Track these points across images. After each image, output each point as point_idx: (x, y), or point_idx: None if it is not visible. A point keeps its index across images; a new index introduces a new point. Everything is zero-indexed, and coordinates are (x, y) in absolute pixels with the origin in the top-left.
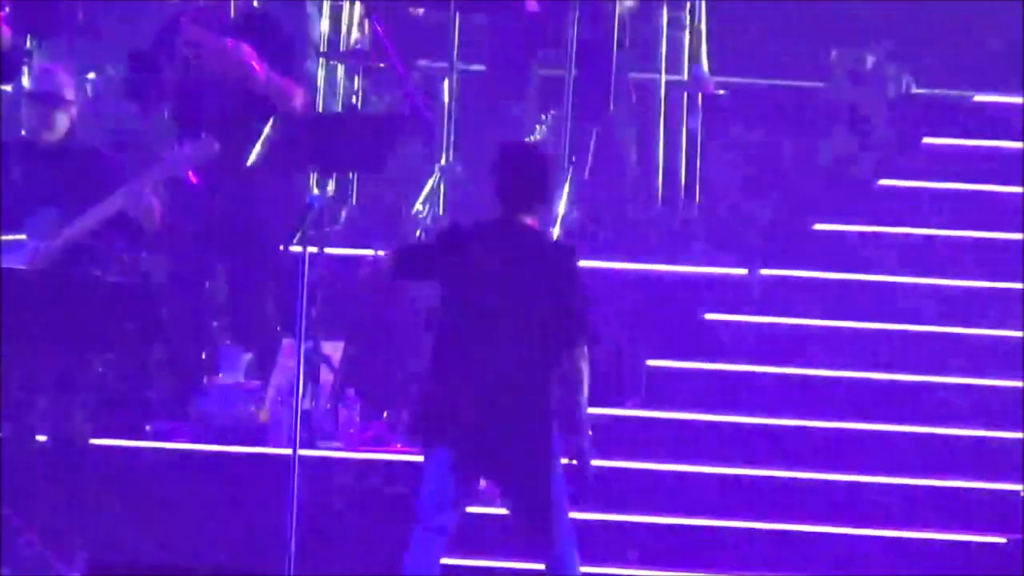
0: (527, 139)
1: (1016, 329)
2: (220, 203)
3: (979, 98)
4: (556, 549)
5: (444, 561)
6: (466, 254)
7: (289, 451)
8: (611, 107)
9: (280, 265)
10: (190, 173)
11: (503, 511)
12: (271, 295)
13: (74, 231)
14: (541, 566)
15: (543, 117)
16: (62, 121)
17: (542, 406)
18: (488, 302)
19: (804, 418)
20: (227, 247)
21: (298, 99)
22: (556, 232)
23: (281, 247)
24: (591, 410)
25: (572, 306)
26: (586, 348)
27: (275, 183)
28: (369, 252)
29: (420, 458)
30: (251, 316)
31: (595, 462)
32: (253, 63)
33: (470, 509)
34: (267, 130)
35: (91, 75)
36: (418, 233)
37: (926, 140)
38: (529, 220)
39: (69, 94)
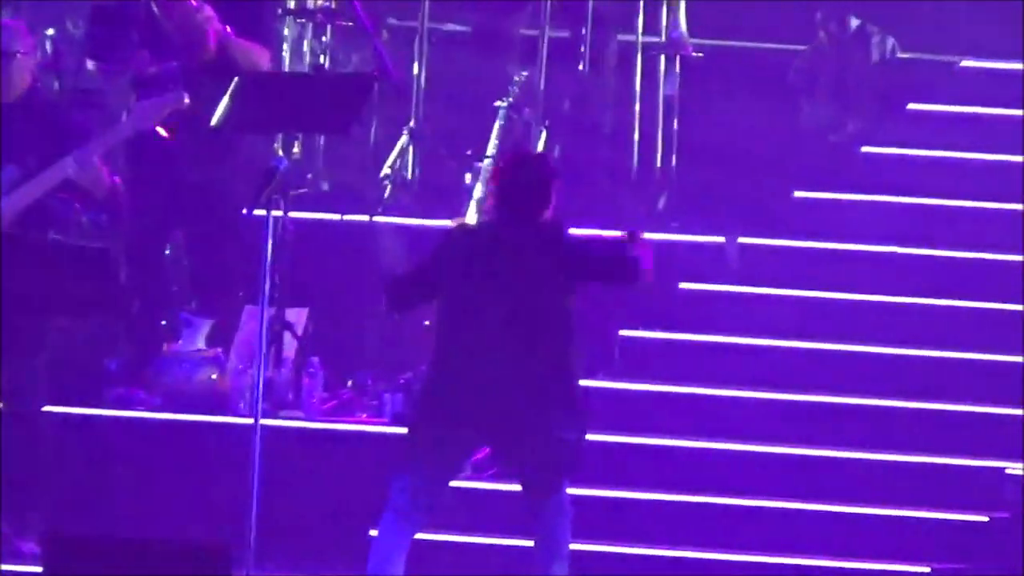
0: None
1: (1005, 301)
2: (181, 164)
3: (965, 63)
4: (551, 524)
5: (430, 537)
6: (467, 257)
7: (250, 420)
8: (584, 67)
9: (242, 229)
10: (158, 128)
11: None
12: (233, 260)
13: (24, 196)
14: (529, 542)
15: (515, 78)
16: (19, 75)
17: (550, 386)
18: (492, 297)
19: (783, 390)
20: (188, 210)
21: (264, 62)
22: None
23: (244, 211)
24: None
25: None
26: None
27: (237, 145)
28: (335, 216)
29: (383, 428)
30: (212, 281)
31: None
32: (210, 25)
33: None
34: (230, 91)
35: (50, 32)
36: (385, 197)
37: (911, 106)
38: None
39: (24, 47)
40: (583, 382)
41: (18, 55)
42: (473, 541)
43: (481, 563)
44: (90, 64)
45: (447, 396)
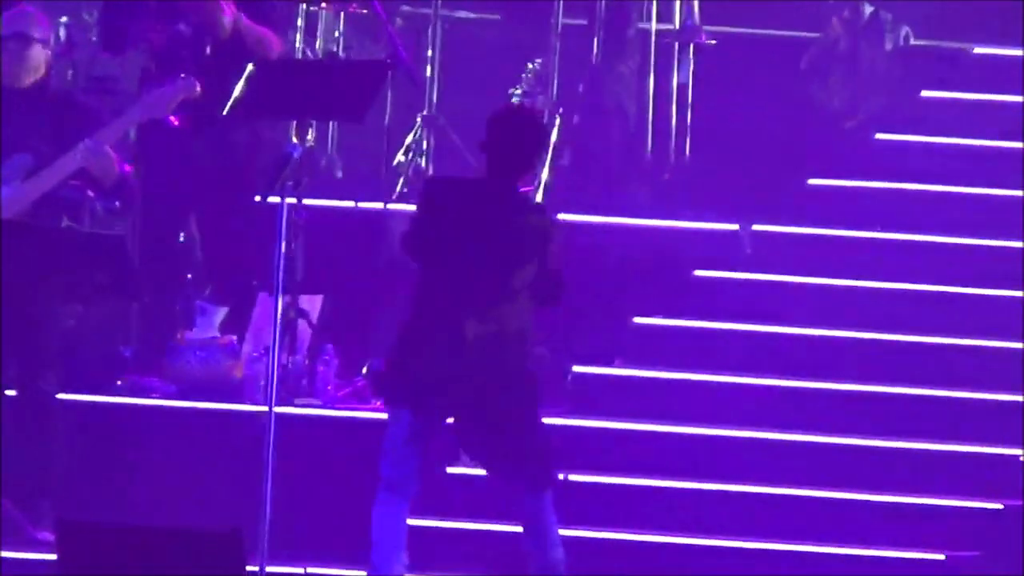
0: (514, 102)
1: (1017, 289)
2: (195, 151)
3: (979, 50)
4: (539, 511)
5: (420, 523)
6: (448, 213)
7: (265, 408)
8: (597, 57)
9: (257, 216)
10: (171, 116)
11: (481, 472)
12: (247, 247)
13: (39, 184)
14: (519, 528)
15: (529, 66)
16: (37, 60)
17: (523, 364)
18: (469, 262)
19: (798, 378)
20: (200, 196)
21: (275, 49)
22: (539, 194)
23: (258, 198)
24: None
25: (550, 269)
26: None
27: (250, 131)
28: (349, 204)
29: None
30: (226, 269)
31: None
32: (224, 12)
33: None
34: (243, 79)
35: (63, 19)
36: (399, 186)
37: (925, 93)
38: (515, 184)
39: (43, 33)
40: (597, 370)
41: (35, 41)
42: (463, 527)
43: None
44: (102, 52)
45: (420, 363)
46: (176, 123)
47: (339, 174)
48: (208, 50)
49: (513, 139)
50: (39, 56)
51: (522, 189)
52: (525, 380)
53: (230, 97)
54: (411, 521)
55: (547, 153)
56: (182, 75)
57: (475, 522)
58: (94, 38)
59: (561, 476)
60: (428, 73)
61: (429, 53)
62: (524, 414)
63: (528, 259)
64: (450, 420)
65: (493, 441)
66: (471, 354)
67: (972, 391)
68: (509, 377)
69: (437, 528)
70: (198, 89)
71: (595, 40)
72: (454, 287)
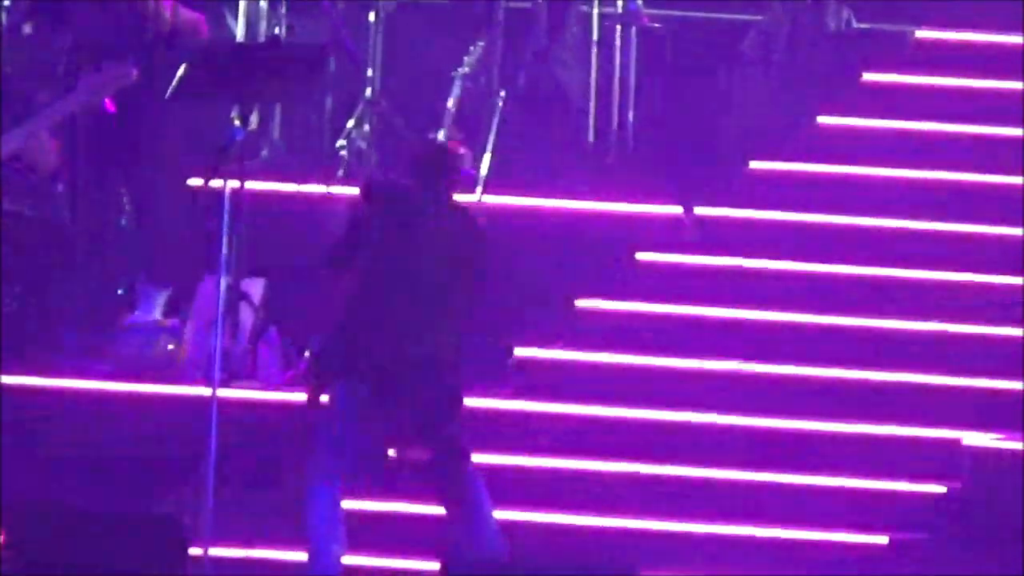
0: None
1: (961, 271)
2: (130, 135)
3: (921, 34)
4: (469, 493)
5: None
6: (386, 212)
7: (207, 391)
8: (543, 37)
9: (196, 199)
10: (107, 101)
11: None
12: (186, 230)
13: None
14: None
15: (472, 48)
16: None
17: (451, 350)
18: (404, 255)
19: (742, 360)
20: (136, 180)
21: (203, 28)
22: (481, 177)
23: (203, 181)
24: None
25: (477, 263)
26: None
27: (185, 114)
28: (291, 187)
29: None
30: (167, 252)
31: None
32: (166, 9)
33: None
34: (186, 61)
35: (5, 2)
36: (341, 169)
37: (866, 76)
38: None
39: None
40: (539, 352)
41: None
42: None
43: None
44: (27, 27)
45: (354, 345)
46: (112, 109)
47: (281, 157)
48: (153, 37)
49: (432, 172)
50: None
51: (465, 171)
52: (450, 365)
53: (165, 82)
54: (352, 504)
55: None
56: (119, 61)
57: (413, 504)
58: (27, 28)
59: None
60: (370, 56)
61: (371, 35)
62: (447, 396)
63: (459, 259)
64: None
65: (416, 418)
66: (403, 337)
67: (917, 373)
68: (435, 359)
69: (375, 511)
70: (134, 74)
71: (538, 23)
72: (390, 282)
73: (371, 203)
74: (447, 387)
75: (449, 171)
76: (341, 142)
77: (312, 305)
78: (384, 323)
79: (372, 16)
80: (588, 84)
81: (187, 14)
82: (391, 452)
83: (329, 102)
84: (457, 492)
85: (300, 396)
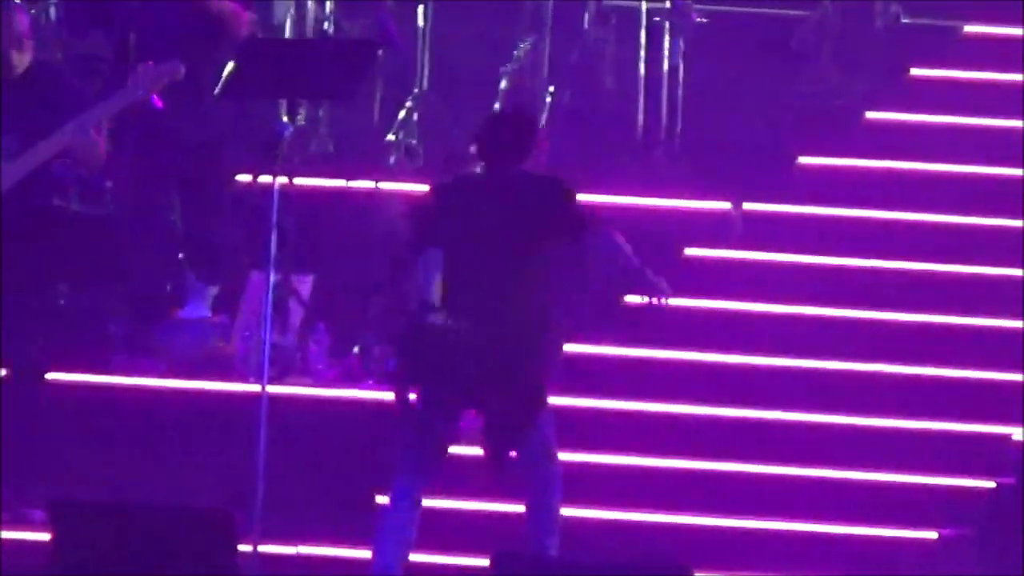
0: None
1: (1010, 267)
2: (178, 130)
3: (969, 28)
4: (540, 491)
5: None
6: (459, 207)
7: (257, 387)
8: (590, 31)
9: (243, 195)
10: (155, 97)
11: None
12: (235, 226)
13: (22, 167)
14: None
15: (520, 44)
16: (20, 61)
17: (537, 347)
18: (483, 247)
19: (789, 356)
20: (187, 175)
21: (246, 22)
22: None
23: (249, 177)
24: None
25: (569, 219)
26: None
27: (232, 109)
28: (340, 182)
29: (384, 395)
30: (217, 248)
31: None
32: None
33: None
34: (234, 57)
35: None
36: (390, 164)
37: (914, 71)
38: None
39: (23, 28)
40: (587, 348)
41: (20, 39)
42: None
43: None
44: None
45: (444, 357)
46: (160, 105)
47: (330, 152)
48: (189, 27)
49: (501, 140)
50: (21, 55)
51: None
52: (536, 362)
53: (211, 78)
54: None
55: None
56: (167, 58)
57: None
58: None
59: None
60: (419, 49)
61: (420, 29)
62: (532, 394)
63: (541, 225)
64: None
65: (497, 416)
66: (491, 336)
67: (967, 369)
68: (523, 356)
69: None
70: (182, 71)
71: (585, 16)
72: (470, 276)
73: (440, 198)
74: (530, 382)
75: (523, 142)
76: (390, 137)
77: (359, 301)
78: (462, 317)
79: (420, 10)
80: (637, 79)
81: (230, 7)
82: (478, 450)
83: (378, 97)
84: (530, 491)
85: (348, 392)
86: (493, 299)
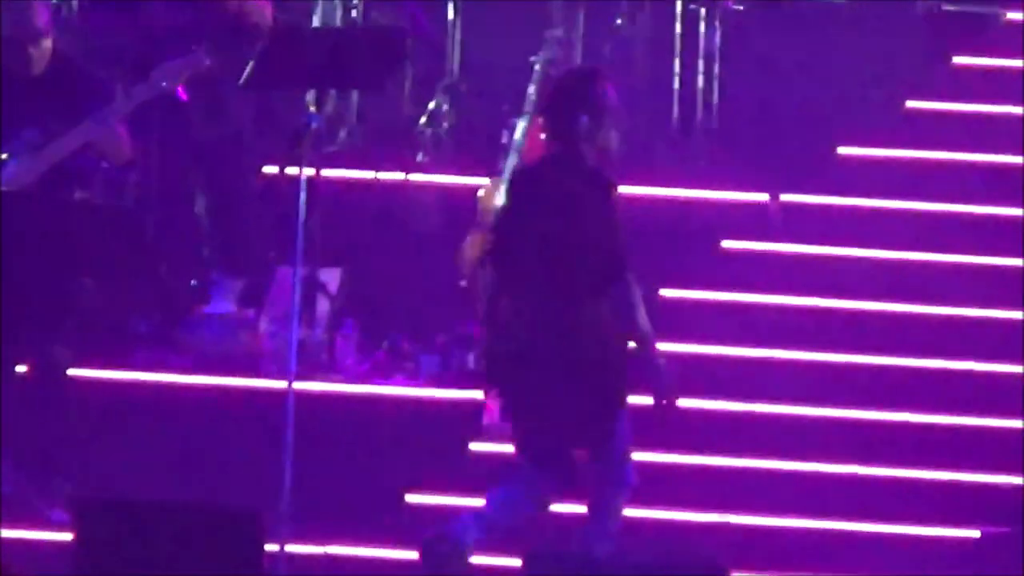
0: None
1: None
2: (201, 122)
3: (1012, 15)
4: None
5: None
6: (514, 200)
7: (283, 384)
8: (622, 21)
9: (270, 187)
10: (180, 89)
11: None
12: (261, 219)
13: (44, 160)
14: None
15: (551, 33)
16: (39, 56)
17: (594, 346)
18: (531, 244)
19: (831, 351)
20: (210, 168)
21: (268, 13)
22: None
23: (278, 169)
24: None
25: (608, 241)
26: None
27: (257, 100)
28: (369, 174)
29: (419, 391)
30: (242, 241)
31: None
32: None
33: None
34: (260, 47)
35: None
36: (419, 157)
37: (956, 60)
38: (575, 151)
39: (42, 23)
40: None
41: (40, 34)
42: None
43: None
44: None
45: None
46: (185, 97)
47: (358, 144)
48: (217, 21)
49: (556, 101)
50: (41, 51)
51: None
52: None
53: (237, 69)
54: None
55: (596, 113)
56: (192, 49)
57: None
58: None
59: None
60: (449, 40)
61: (450, 20)
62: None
63: (582, 231)
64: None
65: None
66: (545, 338)
67: (1013, 364)
68: (578, 357)
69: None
70: (207, 63)
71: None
72: (522, 273)
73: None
74: (597, 383)
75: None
76: (420, 128)
77: (388, 296)
78: (528, 320)
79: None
80: (671, 67)
81: (252, 3)
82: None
83: (407, 88)
84: (592, 494)
85: (378, 388)
86: (548, 299)
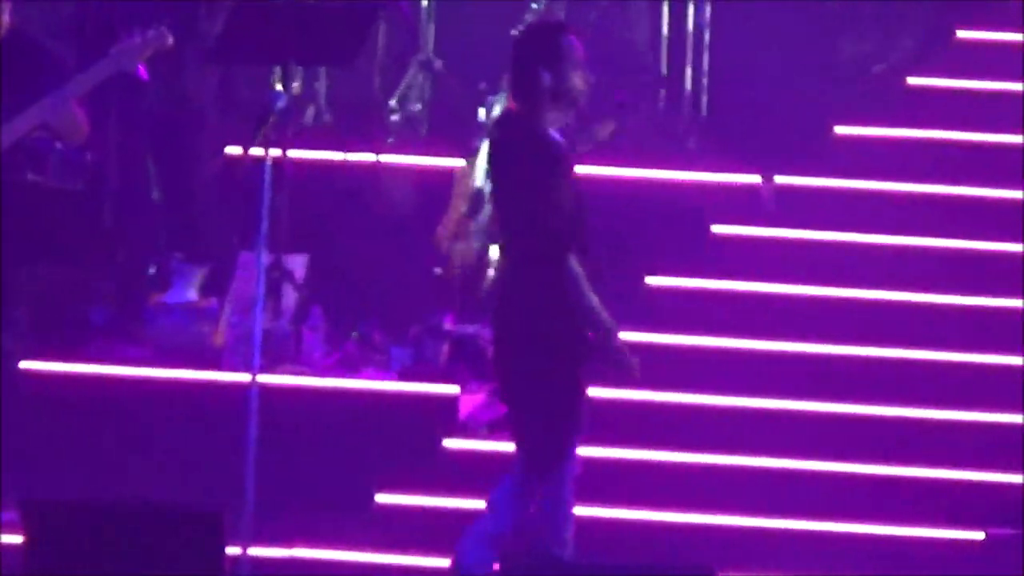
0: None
1: None
2: (160, 102)
3: None
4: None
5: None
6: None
7: (247, 377)
8: None
9: (233, 169)
10: (140, 67)
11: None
12: (224, 203)
13: (2, 138)
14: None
15: (532, 6)
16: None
17: (524, 319)
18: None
19: (826, 342)
20: (168, 150)
21: None
22: None
23: (242, 150)
24: None
25: (542, 218)
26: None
27: (219, 78)
28: (338, 156)
29: (391, 385)
30: (198, 227)
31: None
32: None
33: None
34: (225, 22)
35: None
36: (391, 136)
37: (960, 34)
38: (534, 112)
39: None
40: None
41: None
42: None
43: None
44: None
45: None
46: (146, 76)
47: (327, 123)
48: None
49: (517, 56)
50: (2, 17)
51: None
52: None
53: (196, 46)
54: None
55: (559, 68)
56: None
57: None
58: None
59: None
60: (423, 12)
61: None
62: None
63: (522, 202)
64: None
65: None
66: (502, 313)
67: (1015, 355)
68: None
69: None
70: (170, 40)
71: None
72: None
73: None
74: (521, 356)
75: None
76: (392, 106)
77: (358, 284)
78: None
79: None
80: (659, 45)
81: None
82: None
83: (378, 64)
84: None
85: (346, 382)
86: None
